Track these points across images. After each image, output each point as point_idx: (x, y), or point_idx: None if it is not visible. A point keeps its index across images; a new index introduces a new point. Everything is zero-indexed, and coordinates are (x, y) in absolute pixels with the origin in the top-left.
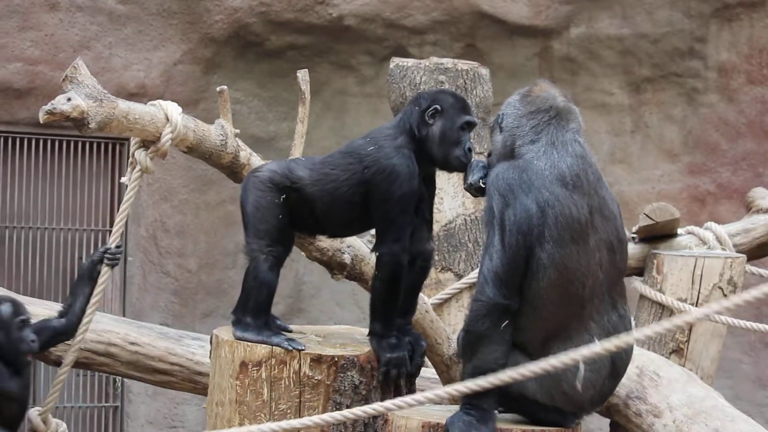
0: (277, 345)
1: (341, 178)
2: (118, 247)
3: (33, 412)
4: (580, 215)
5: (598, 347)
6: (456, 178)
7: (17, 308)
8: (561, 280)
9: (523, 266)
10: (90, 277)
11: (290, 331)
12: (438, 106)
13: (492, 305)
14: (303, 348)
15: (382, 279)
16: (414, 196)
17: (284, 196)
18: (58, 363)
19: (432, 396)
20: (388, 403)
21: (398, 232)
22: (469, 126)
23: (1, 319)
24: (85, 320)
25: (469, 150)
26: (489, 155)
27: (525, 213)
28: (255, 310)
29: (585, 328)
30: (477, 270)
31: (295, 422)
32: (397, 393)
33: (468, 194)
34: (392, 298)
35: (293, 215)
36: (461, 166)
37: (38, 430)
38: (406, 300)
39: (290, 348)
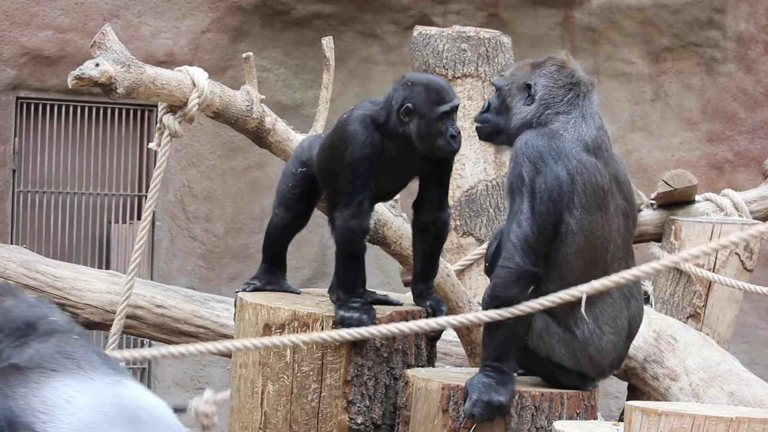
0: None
1: (325, 146)
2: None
3: None
4: (604, 182)
5: (598, 284)
6: (477, 144)
7: None
8: (587, 245)
9: (552, 233)
10: None
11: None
12: (410, 105)
13: (521, 272)
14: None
15: (337, 246)
16: (367, 165)
17: (303, 169)
18: (86, 325)
19: None
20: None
21: (348, 198)
22: (449, 114)
23: None
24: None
25: (453, 136)
26: (491, 111)
27: (556, 180)
28: (265, 257)
29: (607, 292)
30: None
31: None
32: (418, 355)
33: (489, 160)
34: (351, 265)
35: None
36: (449, 154)
37: None
38: (425, 265)
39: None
